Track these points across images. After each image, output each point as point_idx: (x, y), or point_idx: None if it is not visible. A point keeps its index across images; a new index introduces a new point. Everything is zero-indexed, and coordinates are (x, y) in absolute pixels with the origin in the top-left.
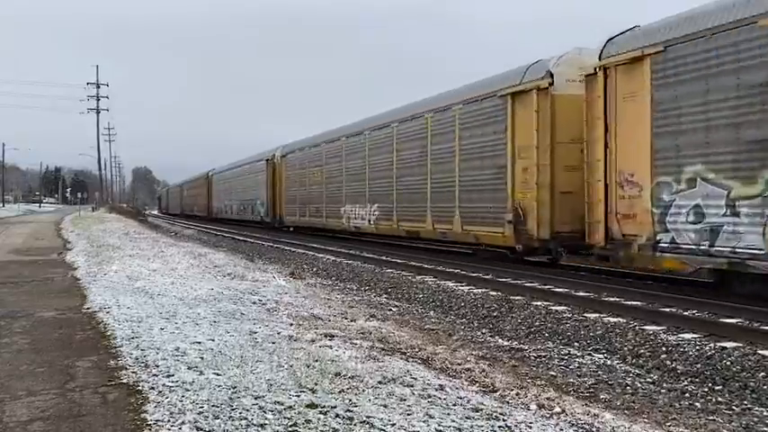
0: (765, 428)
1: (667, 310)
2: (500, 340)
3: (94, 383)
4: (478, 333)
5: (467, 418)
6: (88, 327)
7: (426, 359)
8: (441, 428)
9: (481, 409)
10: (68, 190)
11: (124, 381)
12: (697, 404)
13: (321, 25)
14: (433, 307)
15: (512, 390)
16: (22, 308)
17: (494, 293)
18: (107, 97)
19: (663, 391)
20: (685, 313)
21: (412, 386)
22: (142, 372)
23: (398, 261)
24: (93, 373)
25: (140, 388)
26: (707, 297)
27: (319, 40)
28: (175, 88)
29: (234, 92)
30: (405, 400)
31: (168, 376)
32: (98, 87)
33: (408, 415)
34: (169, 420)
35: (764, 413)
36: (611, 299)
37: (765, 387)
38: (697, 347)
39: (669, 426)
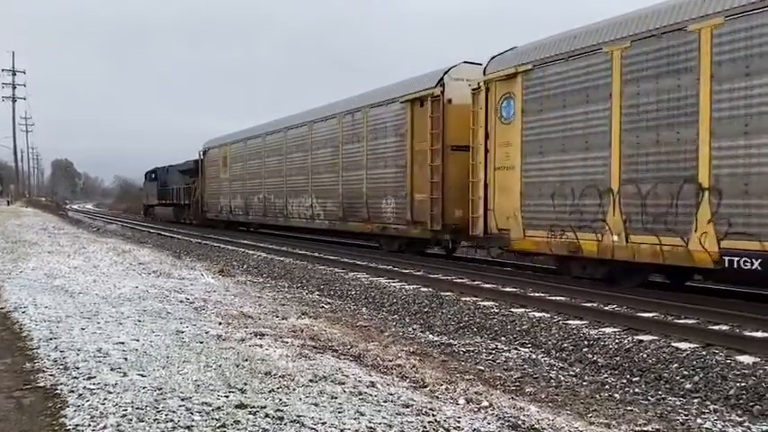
0: (678, 417)
1: (589, 305)
2: (430, 335)
3: (8, 387)
4: (410, 329)
5: (397, 414)
6: (1, 328)
7: (358, 356)
8: (371, 426)
9: (411, 405)
10: None
11: (41, 384)
12: (616, 395)
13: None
14: (365, 303)
15: (441, 385)
16: None
17: (425, 289)
18: (24, 85)
19: (584, 383)
20: (606, 308)
21: (343, 384)
22: (61, 374)
23: (331, 258)
24: (6, 377)
25: (59, 391)
26: (627, 293)
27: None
28: (101, 79)
29: (163, 83)
30: (336, 398)
31: (89, 378)
32: (14, 74)
33: (339, 413)
34: (90, 425)
35: (677, 402)
36: (537, 294)
37: (678, 378)
38: (616, 341)
39: (590, 417)
